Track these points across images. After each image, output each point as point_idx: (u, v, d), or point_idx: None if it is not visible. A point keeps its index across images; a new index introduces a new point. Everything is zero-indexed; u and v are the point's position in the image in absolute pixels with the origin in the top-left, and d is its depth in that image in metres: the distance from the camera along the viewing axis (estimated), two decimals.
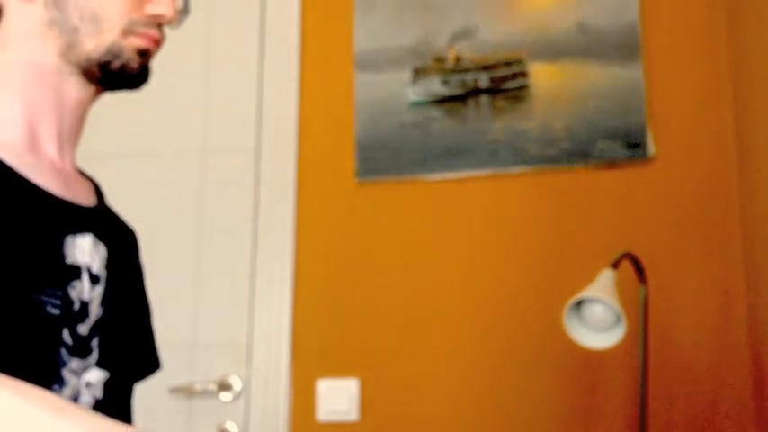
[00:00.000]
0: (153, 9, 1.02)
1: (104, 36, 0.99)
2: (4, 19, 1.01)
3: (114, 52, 1.00)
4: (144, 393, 1.19)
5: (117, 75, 1.01)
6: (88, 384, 0.94)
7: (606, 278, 1.69)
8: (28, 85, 0.99)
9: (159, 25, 1.04)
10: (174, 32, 1.12)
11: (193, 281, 2.26)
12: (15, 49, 1.00)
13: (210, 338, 2.22)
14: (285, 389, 2.14)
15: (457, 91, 2.21)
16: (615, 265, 1.73)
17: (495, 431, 2.04)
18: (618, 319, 1.67)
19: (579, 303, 1.70)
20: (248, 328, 2.20)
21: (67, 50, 1.00)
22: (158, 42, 1.04)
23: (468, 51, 2.22)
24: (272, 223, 2.24)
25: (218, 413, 2.16)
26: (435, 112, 2.21)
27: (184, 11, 1.08)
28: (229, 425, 2.15)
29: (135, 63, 1.01)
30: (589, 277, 1.76)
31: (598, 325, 1.69)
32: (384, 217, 2.20)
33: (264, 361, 2.17)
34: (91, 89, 1.03)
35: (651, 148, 2.07)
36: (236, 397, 2.17)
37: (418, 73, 2.24)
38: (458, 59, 2.22)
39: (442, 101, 2.21)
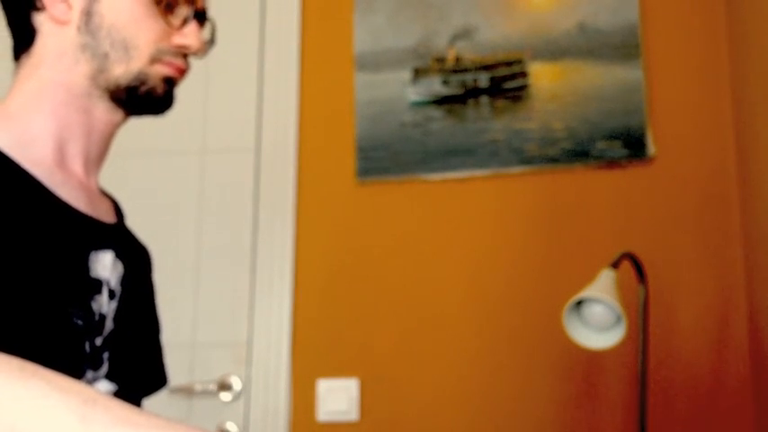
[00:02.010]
0: (180, 40, 1.07)
1: (133, 63, 1.04)
2: (39, 40, 1.05)
3: (141, 79, 1.04)
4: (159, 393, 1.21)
5: (143, 100, 1.06)
6: None
7: (606, 278, 1.69)
8: (59, 105, 1.03)
9: (185, 55, 1.08)
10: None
11: (193, 281, 2.26)
12: (49, 70, 1.04)
13: (210, 338, 2.22)
14: (285, 389, 2.14)
15: (457, 91, 2.21)
16: (615, 265, 1.73)
17: (494, 430, 2.04)
18: (618, 319, 1.67)
19: (579, 303, 1.70)
20: (248, 328, 2.20)
21: (97, 74, 1.04)
22: (183, 71, 1.09)
23: (468, 51, 2.22)
24: (272, 223, 2.24)
25: (218, 413, 2.17)
26: (435, 112, 2.21)
27: (211, 42, 1.14)
28: (229, 425, 2.15)
29: (160, 89, 1.06)
30: (589, 277, 1.76)
31: (598, 325, 1.69)
32: (384, 217, 2.20)
33: (264, 361, 2.17)
34: (118, 113, 1.07)
35: (651, 148, 2.07)
36: (236, 397, 2.17)
37: (418, 73, 2.24)
38: (458, 59, 2.22)
39: (442, 101, 2.21)
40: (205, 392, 2.16)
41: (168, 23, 1.06)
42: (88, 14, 1.03)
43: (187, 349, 2.22)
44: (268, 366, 2.16)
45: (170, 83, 1.07)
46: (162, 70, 1.05)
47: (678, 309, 2.00)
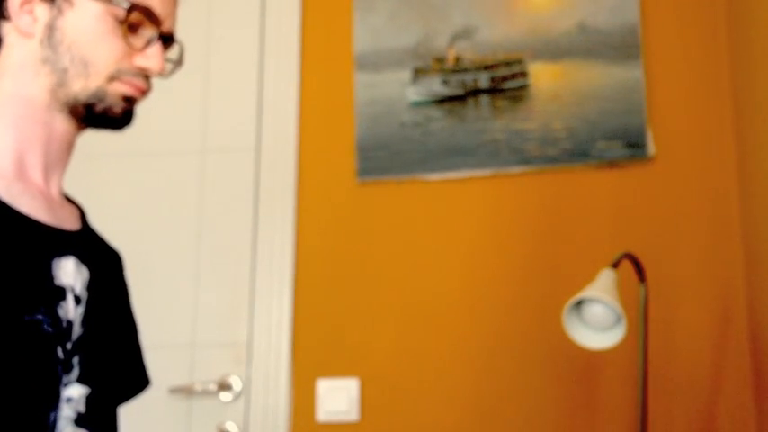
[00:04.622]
0: (141, 62, 1.08)
1: (91, 80, 1.05)
2: (3, 50, 1.07)
3: (99, 96, 1.06)
4: (144, 393, 1.21)
5: (100, 116, 1.07)
6: (69, 399, 0.99)
7: (606, 278, 1.69)
8: (19, 118, 1.05)
9: (147, 76, 1.09)
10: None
11: (193, 281, 2.26)
12: (10, 81, 1.06)
13: (210, 338, 2.22)
14: (285, 389, 2.14)
15: (457, 91, 2.21)
16: (615, 265, 1.73)
17: (494, 430, 2.04)
18: (618, 319, 1.67)
19: (579, 303, 1.70)
20: (248, 328, 2.20)
21: (57, 88, 1.05)
22: (144, 92, 1.10)
23: (468, 51, 2.22)
24: (272, 223, 2.24)
25: (218, 413, 2.16)
26: (435, 112, 2.21)
27: (179, 62, 1.15)
28: (229, 425, 2.15)
29: (118, 108, 1.07)
30: (589, 277, 1.76)
31: (598, 325, 1.69)
32: (384, 217, 2.20)
33: (264, 361, 2.17)
34: (76, 124, 1.09)
35: (651, 148, 2.07)
36: (236, 397, 2.17)
37: (418, 73, 2.24)
38: (458, 59, 2.22)
39: (442, 101, 2.21)
40: (205, 392, 2.16)
41: (130, 44, 1.06)
42: (51, 29, 1.05)
43: (187, 349, 2.22)
44: (268, 366, 2.16)
45: (129, 101, 1.08)
46: (121, 89, 1.06)
47: (678, 309, 2.00)
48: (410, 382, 2.10)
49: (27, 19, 1.05)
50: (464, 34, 2.23)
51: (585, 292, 1.66)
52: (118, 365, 1.13)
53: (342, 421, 2.11)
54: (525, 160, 2.13)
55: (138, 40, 1.07)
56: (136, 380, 1.20)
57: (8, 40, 1.07)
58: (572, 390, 2.02)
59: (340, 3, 2.33)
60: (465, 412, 2.06)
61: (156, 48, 1.08)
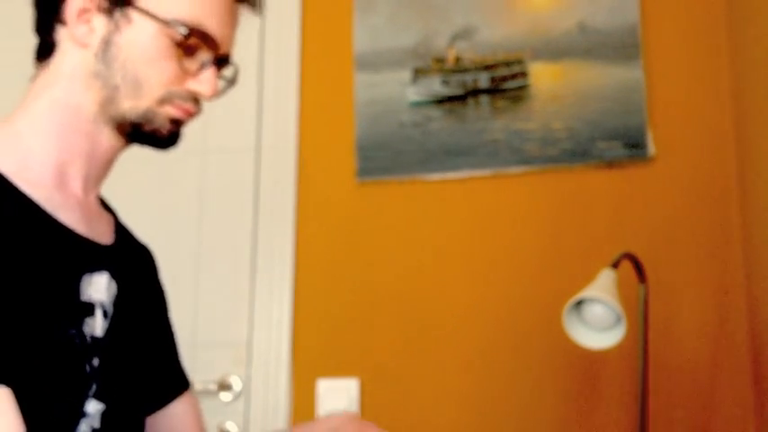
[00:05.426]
0: (194, 86, 1.06)
1: (142, 101, 1.03)
2: (57, 56, 1.05)
3: (148, 117, 1.04)
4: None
5: (146, 136, 1.06)
6: (86, 414, 0.98)
7: (606, 278, 1.69)
8: (65, 127, 1.04)
9: (196, 99, 1.07)
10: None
11: (193, 281, 2.26)
12: (60, 90, 1.04)
13: (210, 338, 2.22)
14: (285, 389, 2.14)
15: (457, 91, 2.21)
16: (615, 265, 1.73)
17: (494, 430, 2.04)
18: (618, 319, 1.67)
19: (579, 303, 1.70)
20: (248, 328, 2.20)
21: (106, 104, 1.04)
22: (192, 114, 1.08)
23: (468, 51, 2.22)
24: (272, 223, 2.24)
25: (219, 413, 2.17)
26: (435, 112, 2.21)
27: (232, 81, 1.13)
28: (229, 425, 2.15)
29: (165, 130, 1.06)
30: (589, 277, 1.76)
31: (598, 325, 1.69)
32: (384, 217, 2.20)
33: (264, 361, 2.17)
34: (121, 141, 1.08)
35: (651, 148, 2.07)
36: (236, 397, 2.17)
37: (418, 73, 2.24)
38: (458, 59, 2.22)
39: (442, 101, 2.21)
40: (205, 392, 2.16)
41: (184, 67, 1.05)
42: (107, 43, 1.02)
43: (187, 349, 2.19)
44: (268, 366, 2.16)
45: (177, 123, 1.07)
46: (170, 111, 1.05)
47: (678, 309, 2.00)
48: (410, 382, 2.10)
49: (84, 29, 1.03)
50: (464, 34, 2.23)
51: (585, 292, 1.66)
52: (148, 376, 1.12)
53: None
54: (525, 160, 2.13)
55: (192, 63, 1.05)
56: (173, 384, 1.21)
57: (63, 45, 1.05)
58: (572, 390, 2.02)
59: (340, 3, 2.33)
60: (465, 412, 2.06)
61: (210, 72, 1.06)
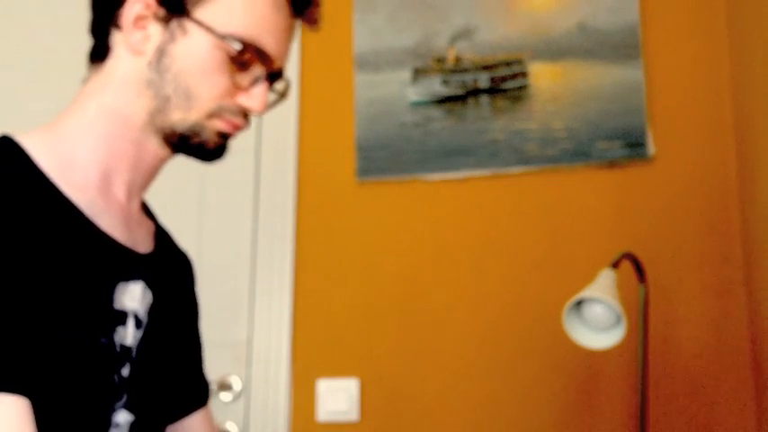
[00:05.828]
0: (244, 101, 1.05)
1: (191, 113, 1.02)
2: (111, 60, 1.04)
3: (196, 130, 1.03)
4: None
5: (193, 148, 1.05)
6: (116, 425, 0.97)
7: (606, 278, 1.69)
8: (112, 134, 1.03)
9: (246, 114, 1.06)
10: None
11: None
12: (111, 96, 1.03)
13: (210, 338, 2.21)
14: (285, 389, 2.14)
15: (457, 91, 2.21)
16: (615, 265, 1.73)
17: (494, 431, 2.04)
18: (618, 319, 1.67)
19: (579, 303, 1.70)
20: (248, 328, 2.20)
21: (155, 114, 1.03)
22: (240, 128, 1.07)
23: (468, 51, 2.22)
24: (272, 223, 2.24)
25: (219, 413, 2.16)
26: (435, 112, 2.21)
27: (282, 95, 1.12)
28: (229, 425, 2.15)
29: (212, 143, 1.05)
30: (589, 277, 1.76)
31: (598, 325, 1.69)
32: (384, 217, 2.20)
33: (264, 361, 2.17)
34: (167, 150, 1.07)
35: (651, 148, 2.07)
36: (236, 397, 2.17)
37: (418, 73, 2.24)
38: (458, 59, 2.22)
39: (442, 101, 2.21)
40: None
41: (236, 82, 1.03)
42: (161, 53, 1.01)
43: None
44: (268, 366, 2.16)
45: (224, 137, 1.06)
46: (218, 125, 1.04)
47: (678, 309, 2.00)
48: (410, 382, 2.10)
49: (139, 36, 1.01)
50: (464, 34, 2.23)
51: (585, 292, 1.66)
52: (174, 386, 1.12)
53: (342, 421, 2.11)
54: (525, 160, 2.13)
55: (244, 78, 1.04)
56: (197, 394, 1.23)
57: (117, 51, 1.03)
58: (572, 390, 2.02)
59: (340, 3, 2.33)
60: (465, 412, 2.06)
61: (262, 88, 1.05)
